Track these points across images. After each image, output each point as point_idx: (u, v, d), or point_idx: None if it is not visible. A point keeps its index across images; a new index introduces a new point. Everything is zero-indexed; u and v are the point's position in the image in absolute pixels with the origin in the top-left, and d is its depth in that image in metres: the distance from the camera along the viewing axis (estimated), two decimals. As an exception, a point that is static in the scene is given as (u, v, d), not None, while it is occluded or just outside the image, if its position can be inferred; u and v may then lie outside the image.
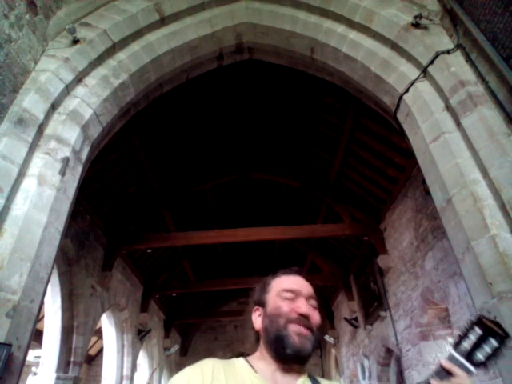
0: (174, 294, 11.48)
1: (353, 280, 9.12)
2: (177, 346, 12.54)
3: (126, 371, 8.60)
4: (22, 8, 2.88)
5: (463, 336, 0.97)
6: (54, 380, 5.71)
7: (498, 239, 2.32)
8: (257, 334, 1.07)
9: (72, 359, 6.13)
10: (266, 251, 12.26)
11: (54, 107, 3.01)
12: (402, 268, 6.53)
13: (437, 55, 3.06)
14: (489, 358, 0.94)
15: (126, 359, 8.66)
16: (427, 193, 4.48)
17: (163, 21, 3.71)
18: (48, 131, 2.93)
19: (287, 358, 0.97)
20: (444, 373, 0.94)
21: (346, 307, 9.86)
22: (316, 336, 1.00)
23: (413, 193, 5.94)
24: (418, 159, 3.20)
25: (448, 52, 3.04)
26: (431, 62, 3.08)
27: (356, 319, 9.11)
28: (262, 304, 1.09)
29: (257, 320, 1.08)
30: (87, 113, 3.22)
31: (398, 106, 3.37)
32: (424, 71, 3.14)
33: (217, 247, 11.49)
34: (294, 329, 0.97)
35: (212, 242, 8.60)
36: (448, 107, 2.94)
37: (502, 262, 2.26)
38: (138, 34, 3.61)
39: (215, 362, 0.99)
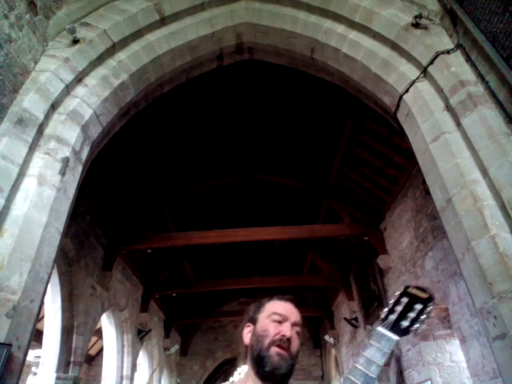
0: (174, 294, 11.47)
1: (353, 280, 9.12)
2: (177, 346, 12.55)
3: (126, 371, 8.60)
4: (22, 8, 2.88)
5: (390, 310, 1.08)
6: (54, 380, 5.71)
7: (498, 239, 2.32)
8: (245, 348, 1.21)
9: (72, 359, 6.13)
10: (265, 251, 12.26)
11: (54, 107, 3.01)
12: (402, 268, 6.53)
13: (437, 55, 3.06)
14: (412, 322, 1.04)
15: (126, 359, 8.66)
16: (427, 193, 4.48)
17: (163, 21, 3.71)
18: (48, 131, 2.93)
19: (265, 374, 1.10)
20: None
21: (346, 307, 9.86)
22: (293, 360, 1.14)
23: (413, 193, 5.94)
24: (418, 159, 3.20)
25: (448, 52, 3.04)
26: (431, 62, 3.08)
27: (356, 319, 9.11)
28: (253, 321, 1.23)
29: (246, 336, 1.22)
30: (87, 113, 3.22)
31: (398, 106, 3.37)
32: (424, 71, 3.14)
33: (217, 247, 11.48)
34: (274, 350, 1.12)
35: (212, 242, 8.60)
36: (448, 107, 2.94)
37: (502, 262, 2.26)
38: (138, 34, 3.61)
39: None
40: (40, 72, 3.01)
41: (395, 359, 7.43)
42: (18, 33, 2.84)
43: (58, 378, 5.76)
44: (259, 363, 1.12)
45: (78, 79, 3.24)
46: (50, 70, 3.04)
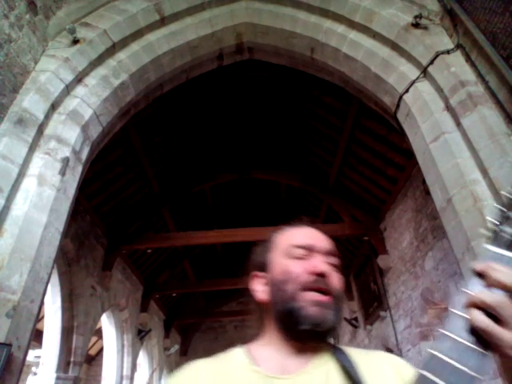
0: (174, 294, 11.47)
1: (353, 280, 9.13)
2: (177, 346, 12.53)
3: (126, 371, 8.60)
4: (22, 8, 2.88)
5: (501, 222, 0.62)
6: (54, 380, 5.70)
7: (498, 239, 2.32)
8: (260, 308, 0.81)
9: (72, 359, 6.12)
10: (265, 251, 12.24)
11: (54, 107, 3.01)
12: (402, 268, 6.53)
13: (437, 55, 3.06)
14: None
15: (125, 359, 8.65)
16: (427, 193, 4.48)
17: (163, 21, 3.71)
18: (48, 131, 2.93)
19: (303, 335, 0.72)
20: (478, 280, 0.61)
21: (346, 307, 9.85)
22: (338, 304, 0.76)
23: (413, 193, 5.94)
24: (418, 159, 3.20)
25: (448, 52, 3.04)
26: (431, 62, 3.08)
27: (356, 319, 9.11)
28: (263, 268, 0.82)
29: (258, 289, 0.81)
30: (87, 113, 3.23)
31: (398, 106, 3.37)
32: (424, 71, 3.14)
33: (217, 247, 11.48)
34: (309, 297, 0.73)
35: (212, 242, 8.61)
36: (448, 107, 2.95)
37: (502, 262, 2.25)
38: (137, 34, 3.61)
39: (200, 366, 0.76)
40: (40, 72, 3.01)
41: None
42: (17, 33, 2.84)
43: (58, 378, 5.76)
44: (290, 321, 0.73)
45: (78, 79, 3.24)
46: (50, 70, 3.04)
